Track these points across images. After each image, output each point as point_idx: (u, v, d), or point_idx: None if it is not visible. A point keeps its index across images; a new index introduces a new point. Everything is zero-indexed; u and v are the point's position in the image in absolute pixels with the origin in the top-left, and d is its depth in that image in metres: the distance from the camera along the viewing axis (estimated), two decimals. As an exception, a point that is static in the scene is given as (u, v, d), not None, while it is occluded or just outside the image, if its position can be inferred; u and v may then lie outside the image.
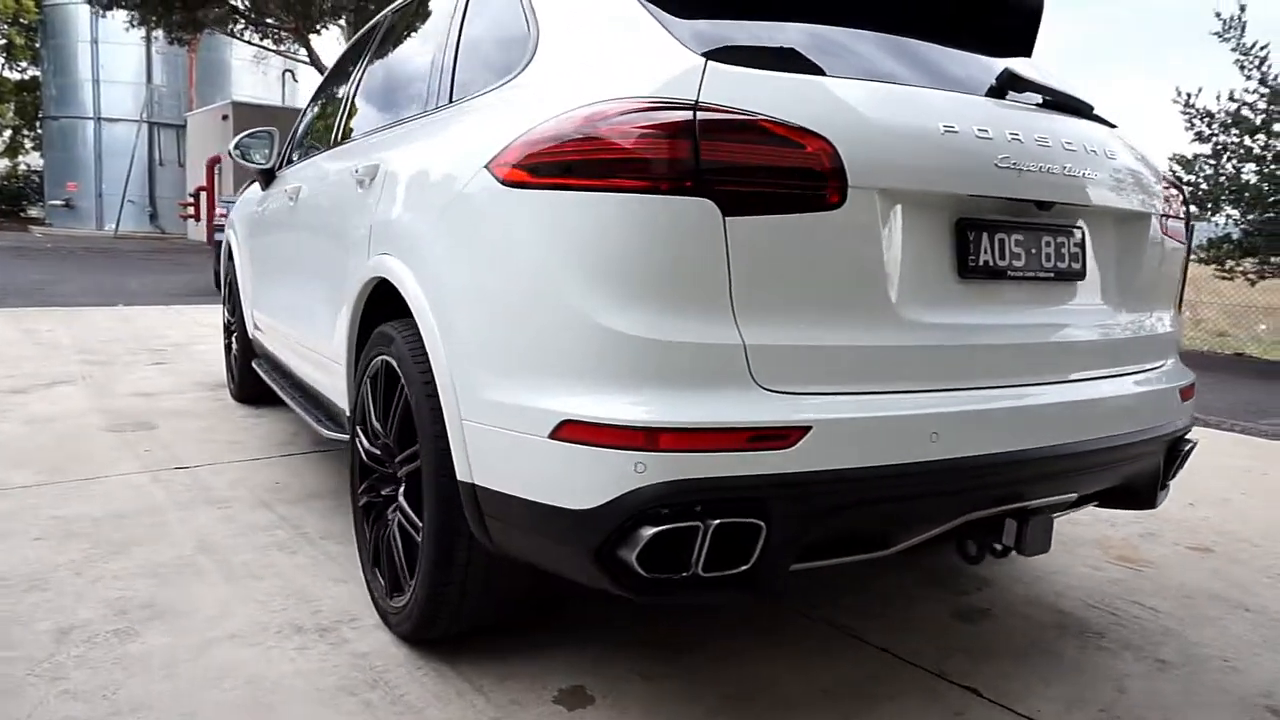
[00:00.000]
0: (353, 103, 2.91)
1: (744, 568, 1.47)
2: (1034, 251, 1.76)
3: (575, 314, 1.46)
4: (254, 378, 4.15)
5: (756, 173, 1.44)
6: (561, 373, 1.48)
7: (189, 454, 3.45)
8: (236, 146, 3.58)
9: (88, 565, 2.37)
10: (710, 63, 1.50)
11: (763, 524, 1.44)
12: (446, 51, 2.23)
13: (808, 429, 1.44)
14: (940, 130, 1.61)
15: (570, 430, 1.45)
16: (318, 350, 2.66)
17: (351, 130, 2.86)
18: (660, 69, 1.52)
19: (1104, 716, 1.85)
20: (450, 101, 2.10)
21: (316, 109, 3.54)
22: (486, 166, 1.63)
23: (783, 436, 1.43)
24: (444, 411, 1.70)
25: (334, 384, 2.55)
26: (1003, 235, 1.71)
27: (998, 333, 1.69)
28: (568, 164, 1.48)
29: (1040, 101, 1.87)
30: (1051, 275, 1.79)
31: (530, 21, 1.88)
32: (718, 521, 1.42)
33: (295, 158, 3.52)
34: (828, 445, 1.46)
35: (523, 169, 1.55)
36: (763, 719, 1.79)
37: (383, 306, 2.17)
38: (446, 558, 1.78)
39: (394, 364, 1.94)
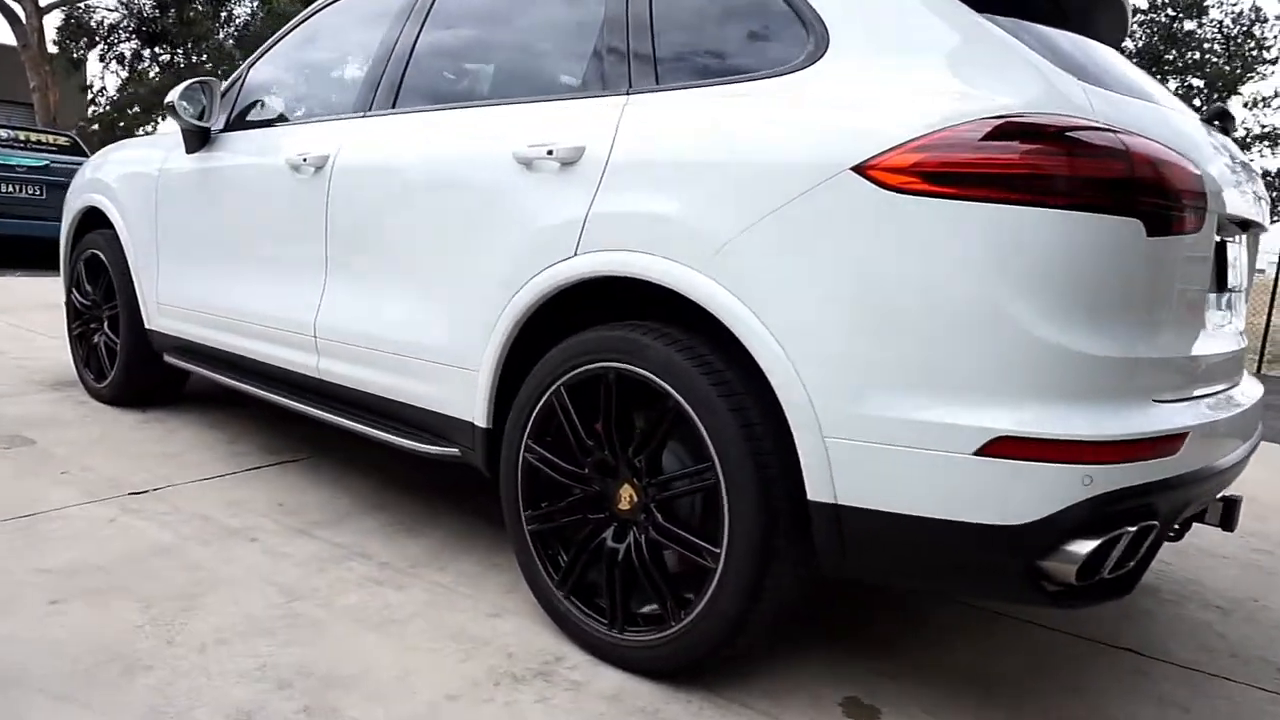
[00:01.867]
0: (413, 57, 2.47)
1: (1130, 567, 1.55)
2: (1236, 266, 1.99)
3: (1010, 330, 1.43)
4: (143, 376, 3.47)
5: (1171, 195, 1.50)
6: (990, 389, 1.44)
7: (125, 473, 2.80)
8: (182, 99, 2.92)
9: (170, 629, 1.87)
10: (1083, 82, 1.53)
11: (1156, 525, 1.53)
12: (619, 21, 2.01)
13: (1186, 434, 1.55)
14: (1211, 150, 1.78)
15: (1004, 446, 1.43)
16: (404, 353, 2.29)
17: (445, 92, 2.50)
18: (1035, 82, 1.52)
19: None
20: (657, 82, 1.91)
21: (301, 56, 2.98)
22: (858, 170, 1.52)
23: (1174, 442, 1.53)
24: (793, 431, 1.58)
25: (441, 393, 2.21)
26: (1233, 252, 1.91)
27: (1225, 341, 1.90)
28: (991, 176, 1.44)
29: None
30: (1235, 289, 2.03)
31: (800, 6, 1.76)
32: (1134, 528, 1.49)
33: (263, 117, 2.95)
34: (1194, 448, 1.57)
35: (923, 177, 1.47)
36: None
37: (567, 310, 1.94)
38: (757, 582, 1.66)
39: (653, 377, 1.74)
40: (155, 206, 3.26)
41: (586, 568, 1.92)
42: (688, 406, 1.71)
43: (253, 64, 3.08)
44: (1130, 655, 2.16)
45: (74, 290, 3.77)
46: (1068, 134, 1.44)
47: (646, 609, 1.84)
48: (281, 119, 2.95)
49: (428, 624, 2.00)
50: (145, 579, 2.09)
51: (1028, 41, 1.59)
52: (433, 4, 2.50)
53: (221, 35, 20.24)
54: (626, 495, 1.85)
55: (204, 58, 19.78)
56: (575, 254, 1.89)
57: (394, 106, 2.48)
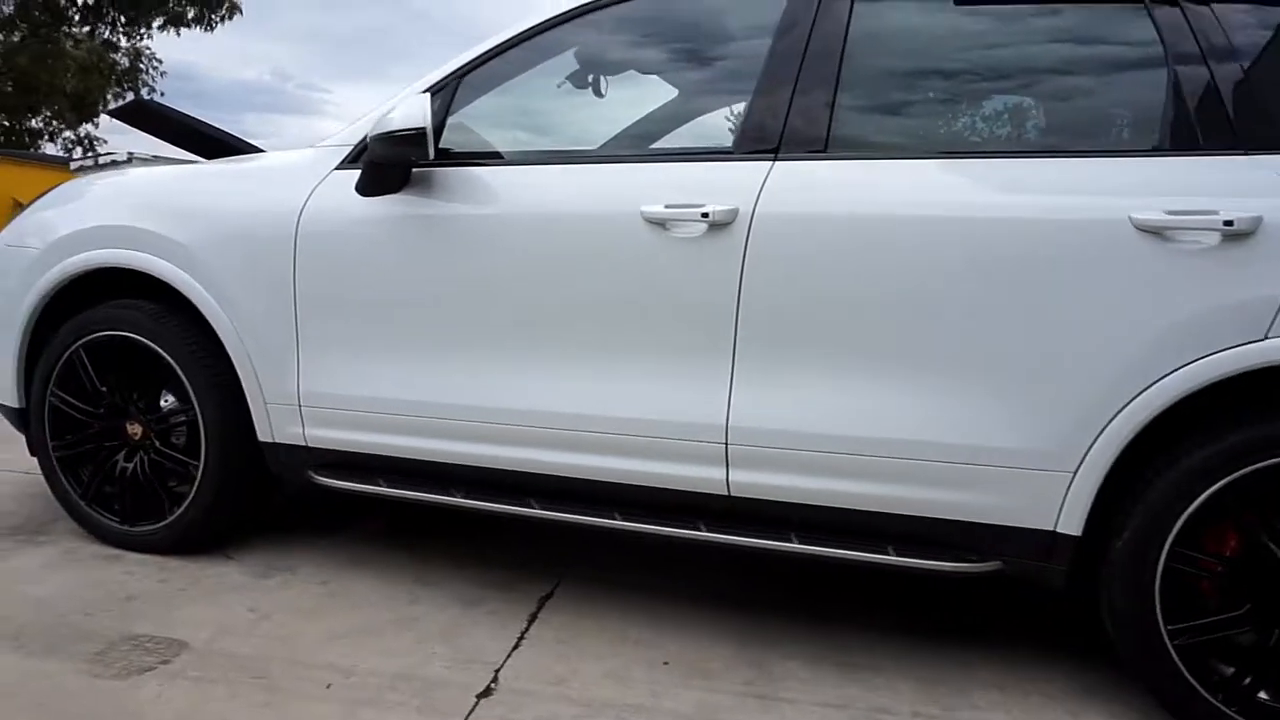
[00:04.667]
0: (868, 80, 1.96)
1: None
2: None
3: None
4: (231, 507, 2.49)
5: None
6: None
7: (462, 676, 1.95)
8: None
9: None
10: None
11: None
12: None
13: None
14: None
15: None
16: (921, 456, 1.86)
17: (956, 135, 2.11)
18: None
19: None
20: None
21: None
22: None
23: None
24: None
25: (985, 499, 1.85)
26: None
27: None
28: None
29: None
30: None
31: None
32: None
33: (516, 148, 2.18)
34: None
35: None
36: None
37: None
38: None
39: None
40: (293, 268, 2.27)
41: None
42: None
43: (465, 73, 2.26)
44: None
45: (57, 391, 2.52)
46: None
47: None
48: (562, 154, 2.22)
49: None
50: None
51: None
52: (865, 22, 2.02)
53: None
54: None
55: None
56: (1266, 337, 1.68)
57: (838, 146, 1.98)
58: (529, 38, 2.23)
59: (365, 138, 2.26)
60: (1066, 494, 1.81)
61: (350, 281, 2.25)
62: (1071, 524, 1.82)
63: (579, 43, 2.32)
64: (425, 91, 2.23)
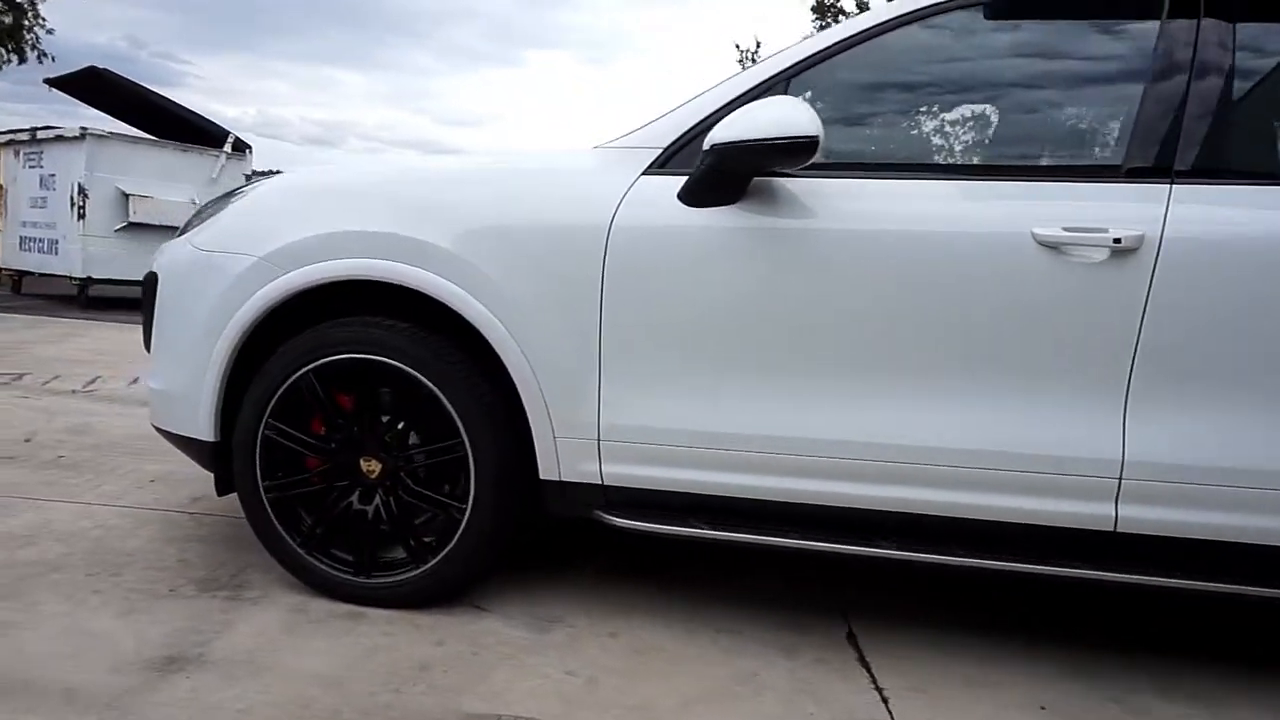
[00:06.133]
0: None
1: None
2: None
3: None
4: (493, 553, 2.21)
5: None
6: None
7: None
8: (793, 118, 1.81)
9: None
10: None
11: None
12: None
13: None
14: None
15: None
16: None
17: None
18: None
19: None
20: None
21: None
22: None
23: None
24: None
25: None
26: None
27: None
28: None
29: None
30: None
31: None
32: None
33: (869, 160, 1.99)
34: None
35: None
36: None
37: None
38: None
39: None
40: (600, 286, 2.01)
41: None
42: None
43: (799, 71, 2.04)
44: None
45: (275, 422, 2.16)
46: None
47: None
48: (931, 167, 2.05)
49: None
50: None
51: None
52: None
53: None
54: None
55: None
56: None
57: (1236, 169, 1.88)
58: (872, 37, 2.04)
59: (677, 141, 2.04)
60: None
61: (673, 302, 2.00)
62: None
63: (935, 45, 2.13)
64: (753, 90, 2.02)
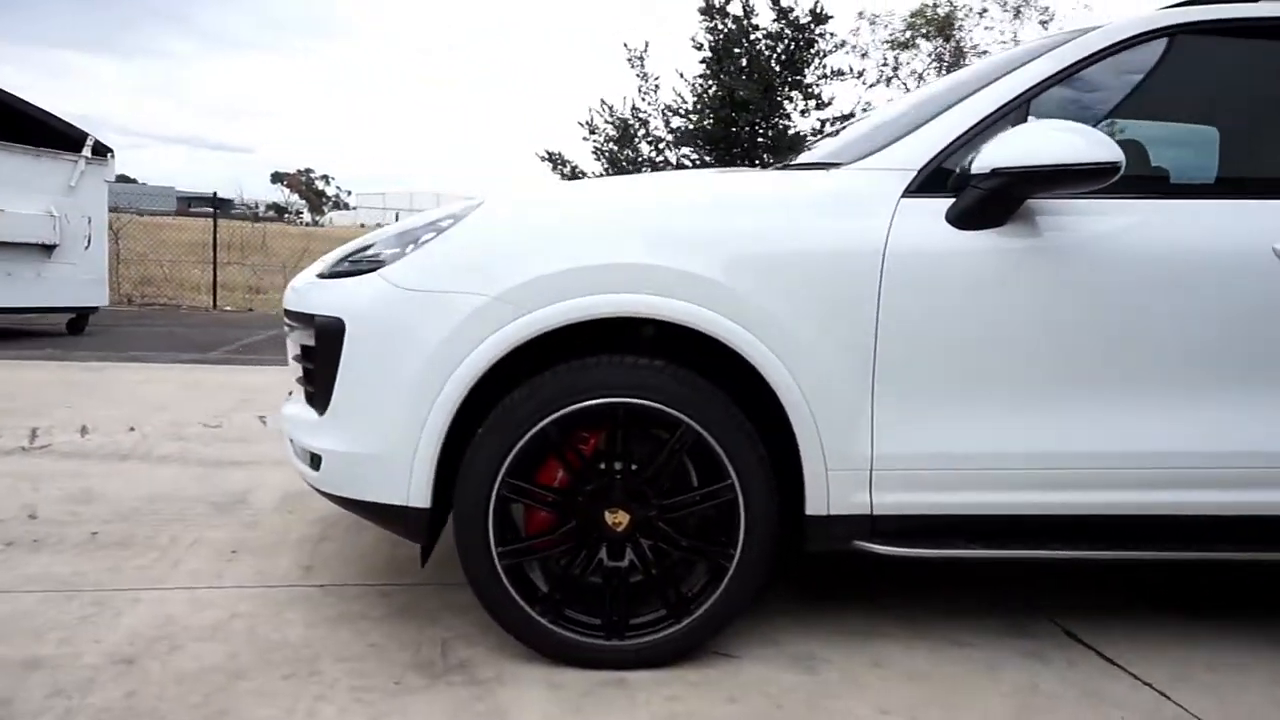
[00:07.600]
0: None
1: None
2: None
3: None
4: (743, 600, 2.11)
5: None
6: None
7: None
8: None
9: None
10: None
11: None
12: None
13: None
14: None
15: None
16: None
17: None
18: None
19: None
20: None
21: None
22: None
23: None
24: None
25: None
26: None
27: None
28: None
29: None
30: None
31: None
32: None
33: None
34: None
35: None
36: None
37: None
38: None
39: None
40: (875, 313, 1.94)
41: None
42: None
43: (1046, 87, 2.06)
44: None
45: (511, 480, 1.92)
46: None
47: None
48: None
49: None
50: None
51: None
52: None
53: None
54: None
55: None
56: None
57: None
58: (1103, 58, 2.10)
59: (931, 161, 2.02)
60: None
61: (948, 325, 1.98)
62: None
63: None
64: (1003, 109, 2.03)
